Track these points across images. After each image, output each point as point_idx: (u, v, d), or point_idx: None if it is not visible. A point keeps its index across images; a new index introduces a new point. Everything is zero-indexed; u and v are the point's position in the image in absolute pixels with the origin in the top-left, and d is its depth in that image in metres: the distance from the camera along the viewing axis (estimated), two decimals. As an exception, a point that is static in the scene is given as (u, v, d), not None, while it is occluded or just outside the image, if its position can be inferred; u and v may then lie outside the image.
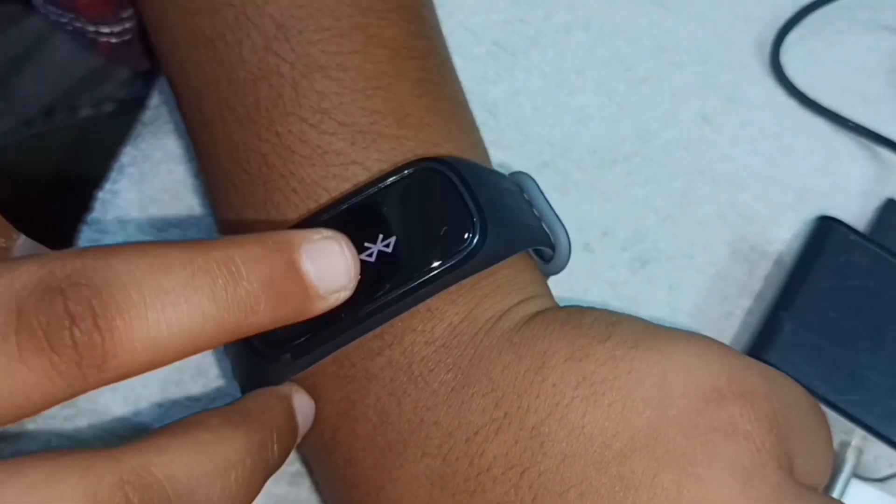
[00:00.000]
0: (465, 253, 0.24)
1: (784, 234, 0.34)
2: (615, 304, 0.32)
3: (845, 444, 0.30)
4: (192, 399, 0.30)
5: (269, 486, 0.28)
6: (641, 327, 0.24)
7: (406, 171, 0.25)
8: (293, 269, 0.21)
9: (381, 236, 0.24)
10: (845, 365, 0.29)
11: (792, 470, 0.23)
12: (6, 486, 0.18)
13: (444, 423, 0.23)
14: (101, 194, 0.33)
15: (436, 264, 0.24)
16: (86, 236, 0.32)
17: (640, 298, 0.33)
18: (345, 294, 0.22)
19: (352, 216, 0.24)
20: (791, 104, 0.36)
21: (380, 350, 0.24)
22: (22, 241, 0.22)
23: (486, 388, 0.23)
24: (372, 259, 0.24)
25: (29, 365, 0.18)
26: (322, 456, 0.25)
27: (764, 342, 0.30)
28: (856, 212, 0.34)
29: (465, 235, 0.24)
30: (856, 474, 0.30)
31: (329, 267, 0.22)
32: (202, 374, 0.30)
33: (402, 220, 0.24)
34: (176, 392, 0.30)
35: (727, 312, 0.33)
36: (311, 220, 0.25)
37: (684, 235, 0.33)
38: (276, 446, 0.23)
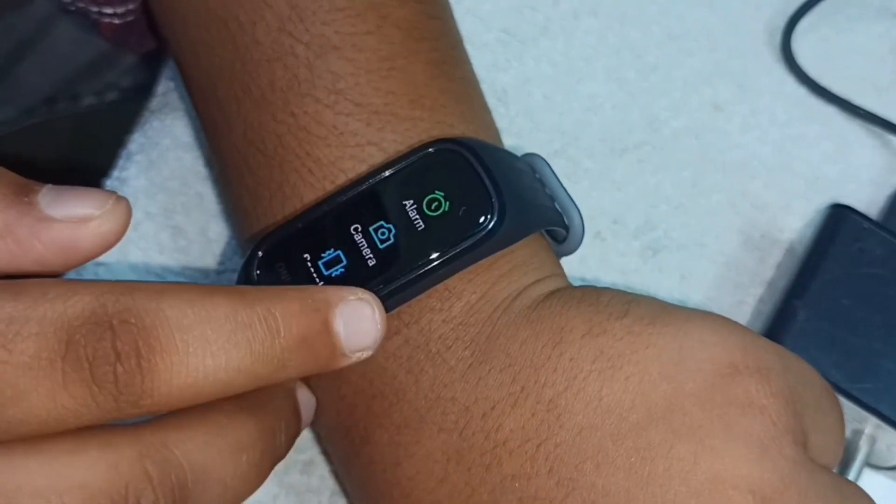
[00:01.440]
0: (483, 233, 0.24)
1: (795, 222, 0.34)
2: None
3: (858, 433, 0.30)
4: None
5: (281, 475, 0.28)
6: (658, 305, 0.24)
7: (423, 152, 0.25)
8: (327, 329, 0.22)
9: (399, 217, 0.24)
10: (858, 353, 0.29)
11: (806, 447, 0.23)
12: (30, 458, 0.19)
13: (461, 398, 0.23)
14: (108, 182, 0.32)
15: (455, 245, 0.24)
16: (94, 224, 0.31)
17: (651, 287, 0.32)
18: (367, 353, 0.23)
19: (370, 197, 0.25)
20: (802, 92, 0.35)
21: (397, 329, 0.24)
22: (46, 190, 0.22)
23: (503, 364, 0.23)
24: (391, 240, 0.24)
25: (70, 392, 0.19)
26: (339, 435, 0.25)
27: (777, 330, 0.30)
28: (867, 200, 0.34)
29: (484, 216, 0.24)
30: (868, 463, 0.30)
31: (359, 329, 0.22)
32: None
33: (421, 200, 0.24)
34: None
35: (738, 301, 0.33)
36: (329, 201, 0.25)
37: (695, 224, 0.33)
38: (283, 435, 0.23)
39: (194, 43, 0.27)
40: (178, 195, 0.32)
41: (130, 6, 0.32)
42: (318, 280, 0.24)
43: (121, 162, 0.33)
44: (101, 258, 0.31)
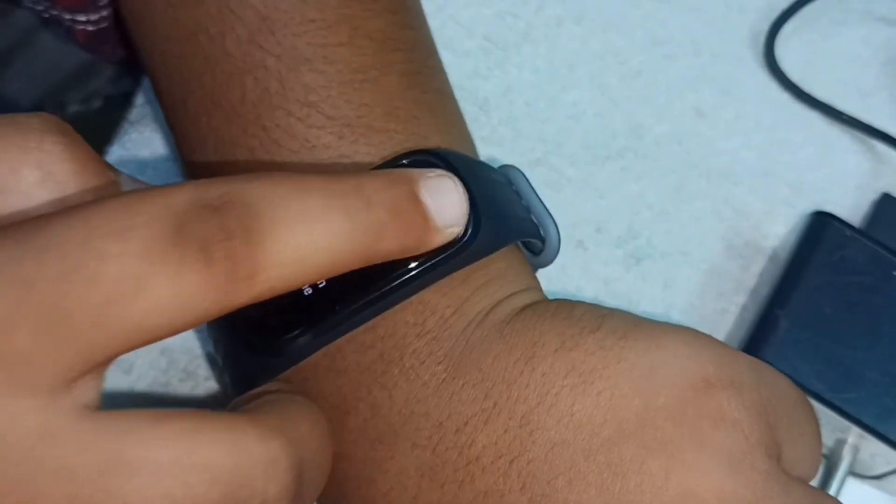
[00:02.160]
0: (457, 245, 0.24)
1: (779, 228, 0.33)
2: (609, 301, 0.32)
3: (841, 442, 0.30)
4: (178, 401, 0.29)
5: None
6: (631, 319, 0.24)
7: (396, 164, 0.25)
8: (415, 200, 0.22)
9: None
10: (841, 362, 0.29)
11: (780, 460, 0.23)
12: (155, 428, 0.19)
13: (434, 414, 0.23)
14: (87, 194, 0.32)
15: (430, 256, 0.24)
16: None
17: (634, 295, 0.32)
18: (457, 230, 0.23)
19: None
20: (785, 97, 0.35)
21: (372, 343, 0.24)
22: (124, 178, 0.22)
23: (476, 379, 0.23)
24: None
25: (187, 277, 0.19)
26: None
27: (759, 339, 0.29)
28: (851, 206, 0.34)
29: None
30: (852, 472, 0.30)
31: (445, 201, 0.23)
32: (190, 377, 0.29)
33: None
34: (162, 394, 0.29)
35: (722, 309, 0.32)
36: None
37: (678, 231, 0.33)
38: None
39: (165, 55, 0.27)
40: (157, 207, 0.31)
41: (103, 13, 0.32)
42: (306, 289, 0.24)
43: (99, 174, 0.32)
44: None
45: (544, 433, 0.22)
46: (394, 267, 0.24)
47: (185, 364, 0.29)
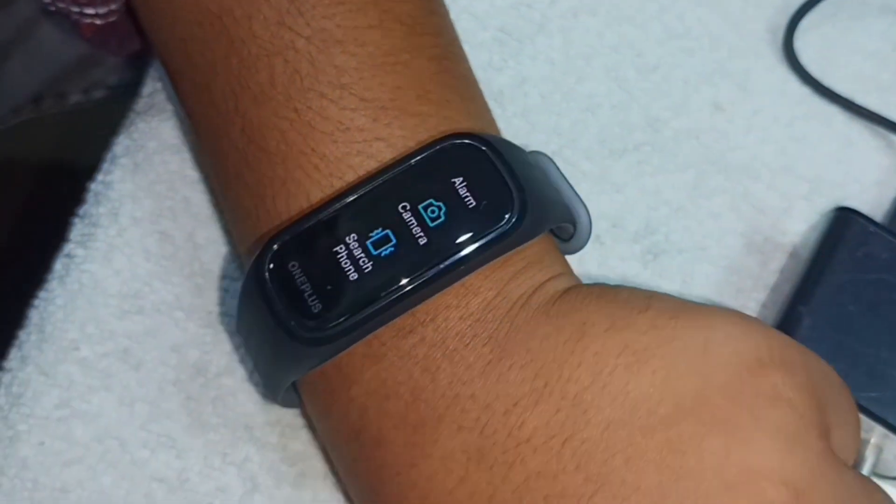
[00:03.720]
0: (504, 229, 0.24)
1: (798, 225, 0.33)
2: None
3: (865, 442, 0.29)
4: (191, 399, 0.28)
5: (272, 488, 0.27)
6: (678, 301, 0.24)
7: (438, 146, 0.24)
8: None
9: (416, 213, 0.24)
10: (865, 361, 0.29)
11: (829, 441, 0.23)
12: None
13: (481, 396, 0.23)
14: (93, 186, 0.31)
15: (475, 241, 0.24)
16: (78, 230, 0.31)
17: (651, 292, 0.32)
18: None
19: (386, 193, 0.24)
20: (805, 92, 0.35)
21: (412, 328, 0.24)
22: None
23: (524, 360, 0.23)
24: (409, 236, 0.24)
25: None
26: (347, 439, 0.25)
27: (782, 337, 0.29)
28: (872, 202, 0.33)
29: (506, 212, 0.24)
30: (875, 472, 0.29)
31: None
32: (200, 373, 0.29)
33: (438, 196, 0.24)
34: (173, 392, 0.28)
35: (741, 306, 0.32)
36: (342, 196, 0.24)
37: (697, 227, 0.33)
38: None
39: (186, 39, 0.27)
40: (165, 199, 0.31)
41: (113, 6, 0.31)
42: (352, 273, 0.23)
43: (105, 165, 0.32)
44: (84, 264, 0.30)
45: (599, 412, 0.22)
46: (441, 248, 0.23)
47: (195, 360, 0.29)
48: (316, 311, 0.23)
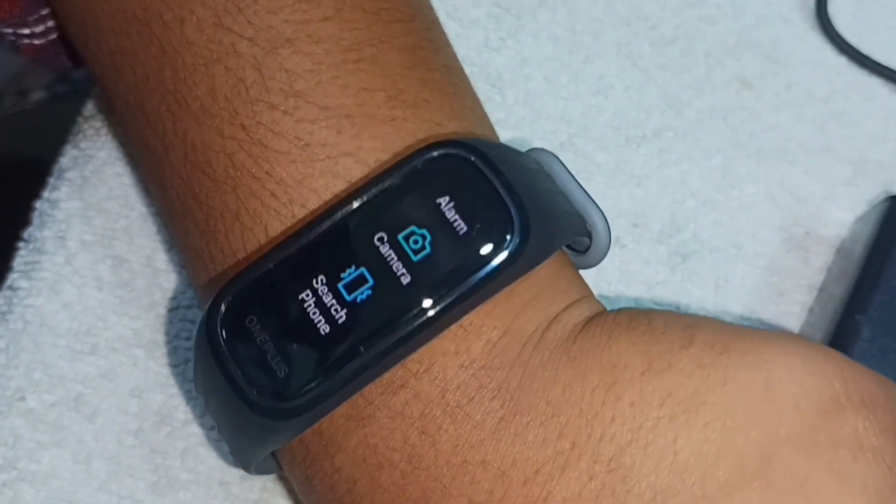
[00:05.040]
0: (505, 256, 0.20)
1: (843, 214, 0.29)
2: (654, 308, 0.28)
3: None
4: (156, 451, 0.25)
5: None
6: (725, 328, 0.20)
7: (417, 160, 0.20)
8: None
9: (395, 245, 0.20)
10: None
11: None
12: None
13: (494, 461, 0.19)
14: (38, 204, 0.28)
15: (472, 273, 0.20)
16: (21, 258, 0.27)
17: (682, 299, 0.28)
18: None
19: (358, 222, 0.20)
20: (841, 62, 0.31)
21: (403, 381, 0.20)
22: None
23: (544, 415, 0.19)
24: (388, 274, 0.20)
25: None
26: None
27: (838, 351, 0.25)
28: (923, 185, 0.30)
29: (506, 235, 0.20)
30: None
31: None
32: (165, 421, 0.25)
33: (421, 222, 0.20)
34: (135, 444, 0.25)
35: (784, 311, 0.28)
36: (307, 229, 0.20)
37: (728, 222, 0.29)
38: None
39: (112, 53, 0.23)
40: (119, 218, 0.27)
41: (49, 23, 0.27)
42: (322, 326, 0.20)
43: (51, 180, 0.28)
44: (28, 298, 0.26)
45: (642, 479, 0.19)
46: (430, 290, 0.19)
47: (159, 406, 0.25)
48: (282, 375, 0.20)
